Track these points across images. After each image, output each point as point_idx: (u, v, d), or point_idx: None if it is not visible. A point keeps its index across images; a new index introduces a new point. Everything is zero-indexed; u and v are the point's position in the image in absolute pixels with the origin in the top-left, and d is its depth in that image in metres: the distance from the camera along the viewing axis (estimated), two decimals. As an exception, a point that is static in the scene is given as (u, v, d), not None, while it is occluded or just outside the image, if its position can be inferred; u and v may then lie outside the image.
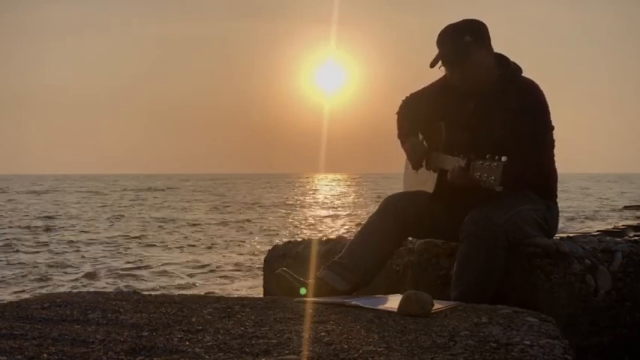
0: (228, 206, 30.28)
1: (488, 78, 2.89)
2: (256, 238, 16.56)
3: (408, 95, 3.24)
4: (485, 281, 2.71)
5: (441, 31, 2.90)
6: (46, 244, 14.71)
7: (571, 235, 3.21)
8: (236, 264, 11.82)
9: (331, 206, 31.34)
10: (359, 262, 2.90)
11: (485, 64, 2.88)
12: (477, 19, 2.93)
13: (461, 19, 2.94)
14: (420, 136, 3.22)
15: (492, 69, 2.90)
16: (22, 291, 8.92)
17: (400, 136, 3.21)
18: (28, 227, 19.02)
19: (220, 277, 10.48)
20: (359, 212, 25.57)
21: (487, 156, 2.56)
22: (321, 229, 19.46)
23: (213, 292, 8.53)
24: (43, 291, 8.76)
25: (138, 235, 17.12)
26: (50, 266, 11.40)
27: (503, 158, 2.51)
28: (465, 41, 2.83)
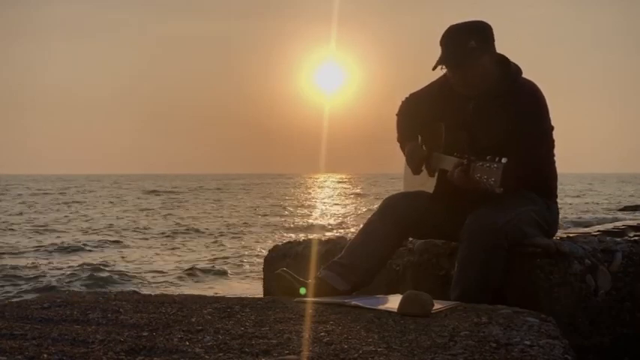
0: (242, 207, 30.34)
1: (489, 81, 2.88)
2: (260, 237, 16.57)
3: (408, 96, 3.24)
4: (486, 282, 2.71)
5: (446, 32, 2.87)
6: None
7: (571, 235, 3.20)
8: (236, 263, 11.83)
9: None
10: (359, 262, 2.90)
11: (487, 69, 2.86)
12: (482, 20, 2.90)
13: (463, 19, 2.92)
14: (420, 139, 3.22)
15: (493, 73, 2.89)
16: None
17: (400, 139, 3.21)
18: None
19: (220, 276, 10.49)
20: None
21: (487, 157, 2.56)
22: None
23: (213, 292, 8.53)
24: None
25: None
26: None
27: (504, 160, 2.50)
28: (469, 46, 2.80)
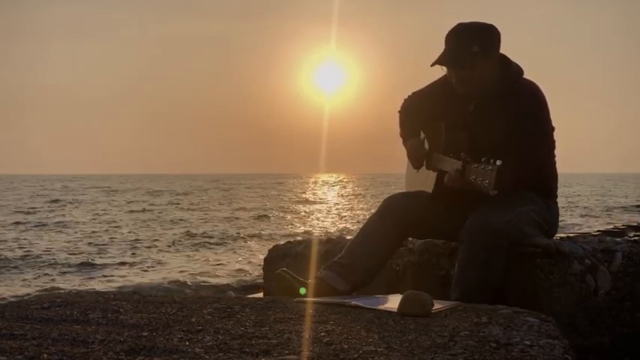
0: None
1: (489, 83, 2.88)
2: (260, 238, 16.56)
3: (410, 94, 3.24)
4: (486, 282, 2.71)
5: (452, 30, 2.86)
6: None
7: (571, 235, 3.21)
8: (237, 263, 11.83)
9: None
10: (359, 262, 2.90)
11: (486, 73, 2.85)
12: (491, 24, 2.88)
13: (463, 19, 2.91)
14: (422, 135, 3.23)
15: (493, 75, 2.88)
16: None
17: (402, 134, 3.21)
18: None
19: (220, 277, 10.48)
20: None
21: (483, 159, 2.56)
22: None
23: (213, 292, 8.53)
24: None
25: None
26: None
27: (498, 162, 2.50)
28: (471, 51, 2.79)
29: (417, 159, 3.11)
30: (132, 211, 26.76)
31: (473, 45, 2.80)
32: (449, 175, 2.77)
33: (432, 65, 2.88)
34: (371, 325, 2.12)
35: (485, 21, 2.91)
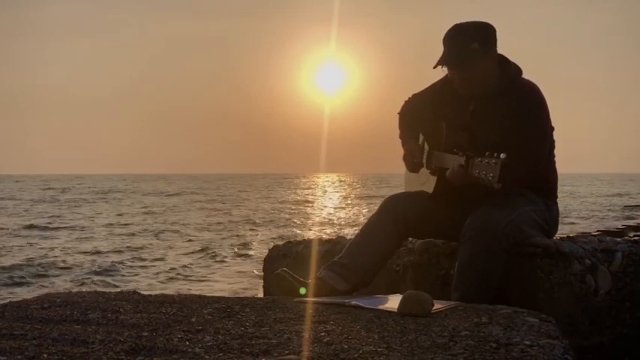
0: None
1: (489, 82, 2.88)
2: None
3: (410, 96, 3.25)
4: (487, 284, 2.71)
5: (449, 31, 2.87)
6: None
7: (571, 235, 3.21)
8: (237, 264, 11.83)
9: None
10: (359, 262, 2.90)
11: (487, 71, 2.86)
12: (487, 22, 2.89)
13: (463, 18, 2.92)
14: (421, 137, 3.23)
15: (493, 74, 2.89)
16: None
17: (401, 136, 3.22)
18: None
19: (220, 276, 10.49)
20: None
21: (486, 153, 2.56)
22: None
23: (212, 292, 8.53)
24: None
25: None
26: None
27: (502, 155, 2.50)
28: (471, 48, 2.80)
29: (413, 163, 3.11)
30: (137, 213, 26.78)
31: (473, 42, 2.80)
32: (451, 170, 2.77)
33: (435, 67, 2.88)
34: (371, 325, 2.12)
35: (487, 22, 2.91)
